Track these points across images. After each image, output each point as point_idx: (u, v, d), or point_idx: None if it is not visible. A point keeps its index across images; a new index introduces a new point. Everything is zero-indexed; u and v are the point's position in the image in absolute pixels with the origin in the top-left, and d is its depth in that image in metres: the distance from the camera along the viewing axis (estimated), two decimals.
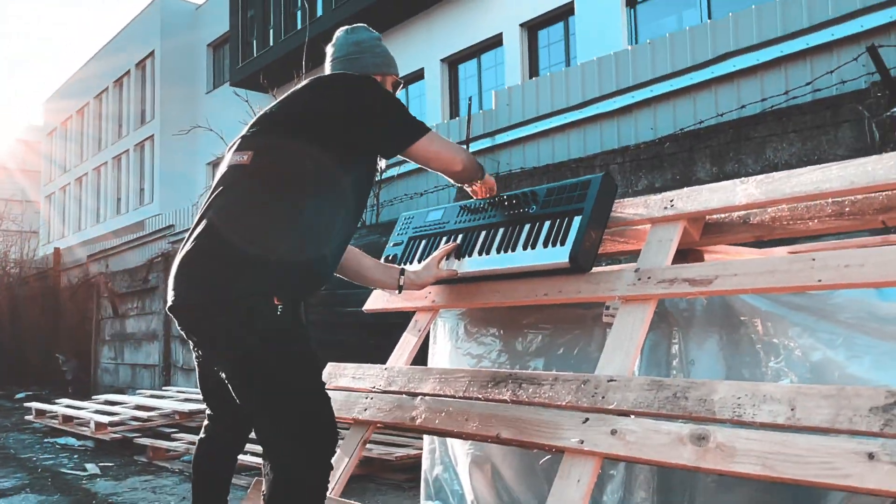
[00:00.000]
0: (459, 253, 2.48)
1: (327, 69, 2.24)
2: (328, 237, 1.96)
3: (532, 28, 12.68)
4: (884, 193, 1.85)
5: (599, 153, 4.73)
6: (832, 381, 1.76)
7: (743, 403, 1.57)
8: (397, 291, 2.37)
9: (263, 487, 1.91)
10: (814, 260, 1.69)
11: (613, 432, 1.71)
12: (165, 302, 1.98)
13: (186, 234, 2.01)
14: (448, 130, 6.03)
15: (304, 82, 2.08)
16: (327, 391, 1.96)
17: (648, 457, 1.63)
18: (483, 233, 2.48)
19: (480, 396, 2.08)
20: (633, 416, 1.73)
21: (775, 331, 1.89)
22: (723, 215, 2.13)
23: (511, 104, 5.54)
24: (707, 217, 2.15)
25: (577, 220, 2.19)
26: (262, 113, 2.10)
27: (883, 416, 1.37)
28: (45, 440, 6.25)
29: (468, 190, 2.45)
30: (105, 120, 25.11)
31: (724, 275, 1.82)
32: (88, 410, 6.29)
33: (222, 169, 2.04)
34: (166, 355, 8.74)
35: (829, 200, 1.92)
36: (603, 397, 1.81)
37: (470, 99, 7.14)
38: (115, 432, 5.51)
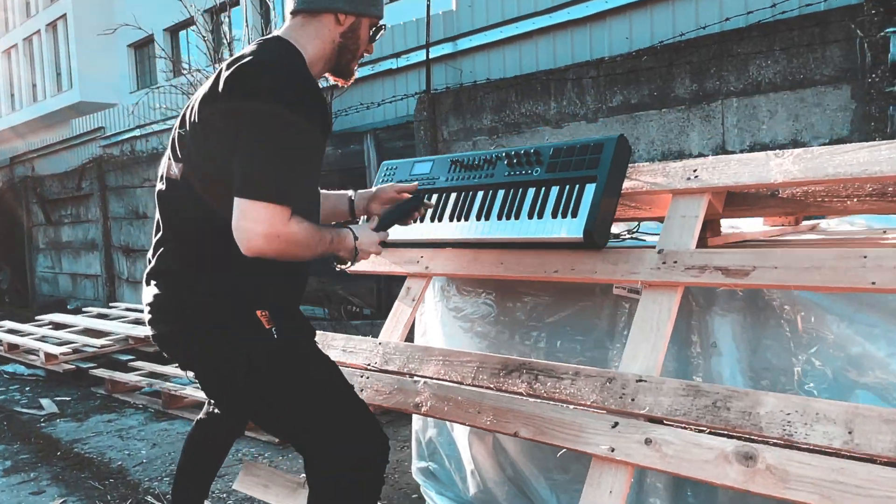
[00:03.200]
0: (445, 215, 2.31)
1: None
2: None
3: None
4: None
5: (572, 65, 4.46)
6: (871, 376, 1.69)
7: (793, 421, 1.48)
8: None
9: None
10: (865, 258, 1.57)
11: (648, 441, 1.62)
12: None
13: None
14: (404, 34, 5.63)
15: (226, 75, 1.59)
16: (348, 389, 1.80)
17: (690, 473, 1.54)
18: (480, 193, 2.29)
19: (492, 386, 1.96)
20: (666, 424, 1.64)
21: (808, 317, 1.79)
22: None
23: (474, 6, 5.15)
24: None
25: (589, 188, 2.02)
26: (184, 113, 1.71)
27: None
28: None
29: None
30: None
31: (762, 266, 1.69)
32: (34, 337, 6.00)
33: (163, 170, 1.74)
34: (108, 266, 8.36)
35: None
36: (633, 399, 1.70)
37: None
38: (67, 362, 5.28)
